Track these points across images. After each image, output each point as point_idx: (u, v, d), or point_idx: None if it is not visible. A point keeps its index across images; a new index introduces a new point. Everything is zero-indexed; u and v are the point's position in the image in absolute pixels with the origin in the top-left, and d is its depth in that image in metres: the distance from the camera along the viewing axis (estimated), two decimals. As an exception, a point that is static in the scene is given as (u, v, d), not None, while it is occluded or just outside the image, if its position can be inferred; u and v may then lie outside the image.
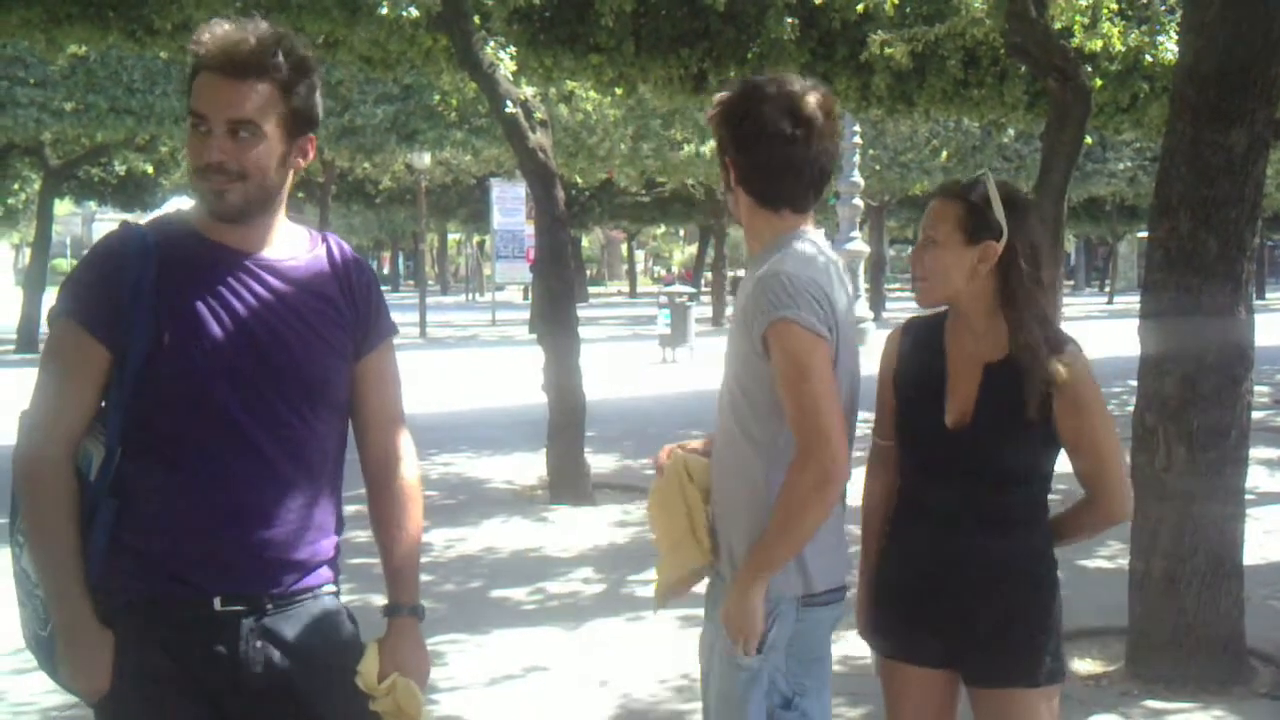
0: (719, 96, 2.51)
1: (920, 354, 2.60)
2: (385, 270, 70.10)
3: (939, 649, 2.58)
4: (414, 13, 9.05)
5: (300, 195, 35.06)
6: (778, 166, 2.44)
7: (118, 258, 2.07)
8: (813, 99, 2.43)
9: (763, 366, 2.38)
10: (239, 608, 2.09)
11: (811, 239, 2.50)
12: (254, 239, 2.14)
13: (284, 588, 2.13)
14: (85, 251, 2.15)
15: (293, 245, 2.19)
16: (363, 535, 2.31)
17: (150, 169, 28.98)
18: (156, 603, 2.08)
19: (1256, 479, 7.76)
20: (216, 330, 2.06)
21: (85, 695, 2.11)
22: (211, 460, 2.06)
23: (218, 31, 2.02)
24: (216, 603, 2.08)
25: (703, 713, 2.63)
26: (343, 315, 2.19)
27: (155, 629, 2.07)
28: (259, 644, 2.10)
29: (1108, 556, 6.55)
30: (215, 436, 2.06)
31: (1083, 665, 4.93)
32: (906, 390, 2.61)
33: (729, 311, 31.56)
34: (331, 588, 2.22)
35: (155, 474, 2.06)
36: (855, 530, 2.67)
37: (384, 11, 8.99)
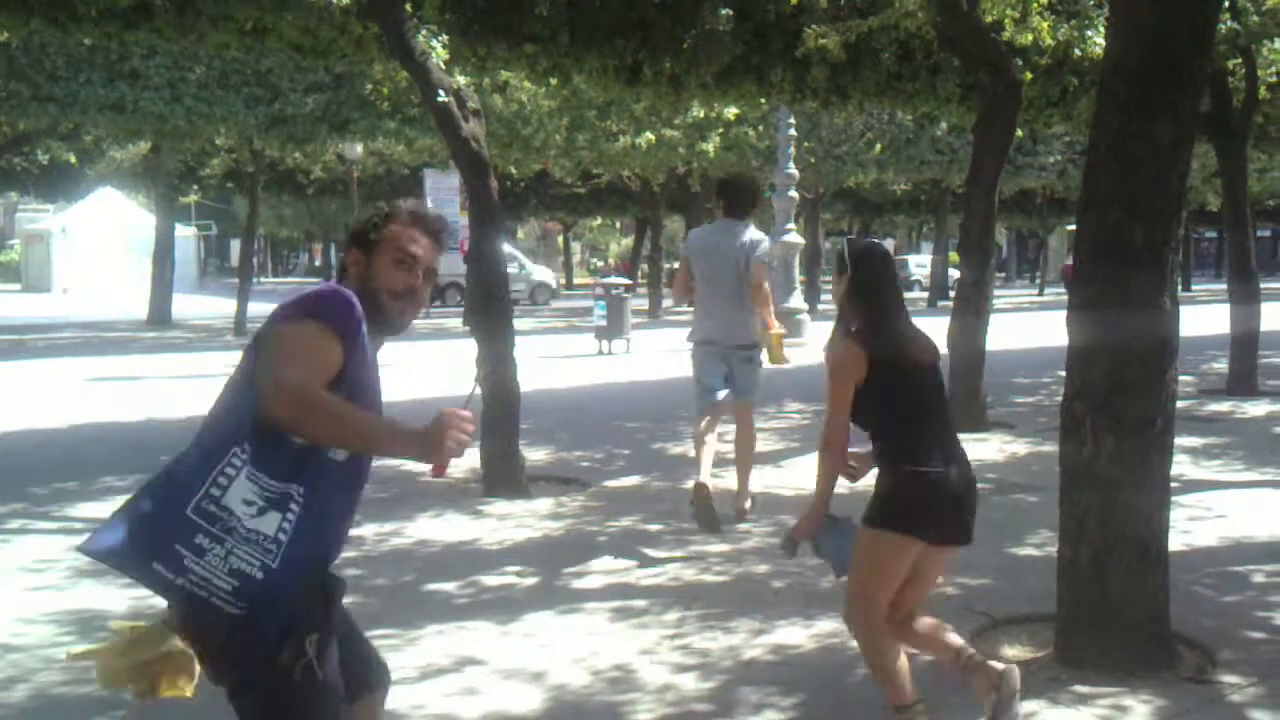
0: None
1: None
2: (317, 262, 69.03)
3: None
4: (344, -1, 8.94)
5: (230, 186, 34.54)
6: None
7: (352, 307, 2.60)
8: None
9: None
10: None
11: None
12: None
13: None
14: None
15: None
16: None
17: (74, 158, 28.39)
18: (322, 585, 2.68)
19: (1181, 467, 7.89)
20: (372, 382, 2.72)
21: (454, 450, 2.59)
22: (352, 471, 2.70)
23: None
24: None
25: None
26: None
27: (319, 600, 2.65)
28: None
29: (1036, 544, 6.64)
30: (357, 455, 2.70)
31: (1012, 651, 4.99)
32: None
33: (666, 303, 31.62)
34: None
35: (325, 481, 2.58)
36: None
37: (314, -2, 8.87)
